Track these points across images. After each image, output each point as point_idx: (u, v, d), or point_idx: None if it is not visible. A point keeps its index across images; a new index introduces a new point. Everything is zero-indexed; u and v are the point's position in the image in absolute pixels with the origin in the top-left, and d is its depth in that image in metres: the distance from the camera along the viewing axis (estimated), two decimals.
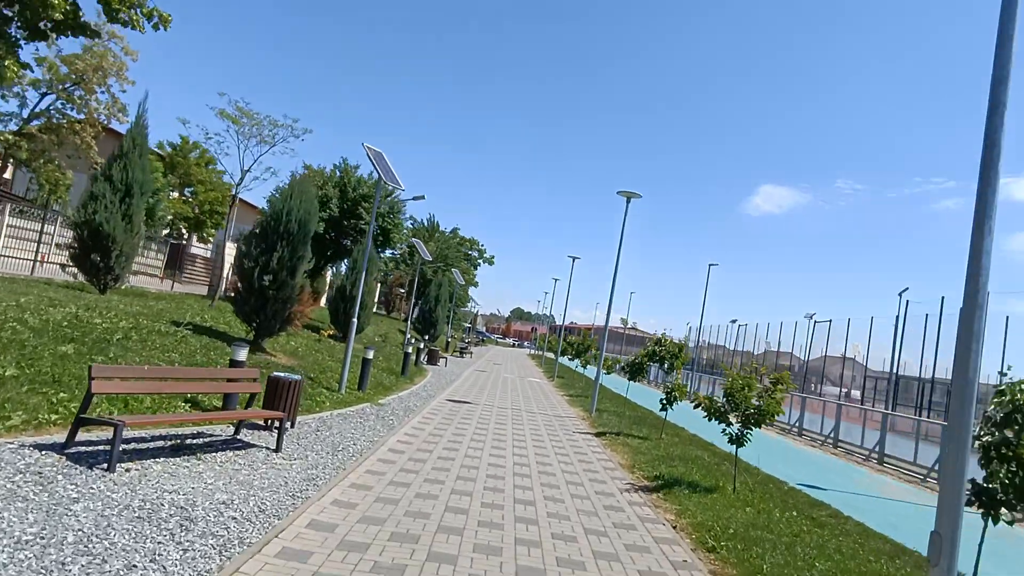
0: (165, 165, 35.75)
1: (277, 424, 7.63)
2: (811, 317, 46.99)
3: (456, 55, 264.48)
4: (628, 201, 15.93)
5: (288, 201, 12.84)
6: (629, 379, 17.34)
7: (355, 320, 12.83)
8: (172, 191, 37.18)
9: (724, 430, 8.50)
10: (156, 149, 34.29)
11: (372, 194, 24.07)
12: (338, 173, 24.50)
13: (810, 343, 45.50)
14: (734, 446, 8.52)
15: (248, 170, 18.39)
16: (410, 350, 18.30)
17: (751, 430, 8.40)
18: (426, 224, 55.78)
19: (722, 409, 8.37)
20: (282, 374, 8.62)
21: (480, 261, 75.20)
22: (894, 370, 34.36)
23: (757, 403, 8.24)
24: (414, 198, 12.90)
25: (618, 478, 8.98)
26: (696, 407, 8.68)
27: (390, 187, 12.69)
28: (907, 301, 34.10)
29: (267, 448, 7.47)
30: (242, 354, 8.60)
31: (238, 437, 7.70)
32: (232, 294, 12.91)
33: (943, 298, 30.85)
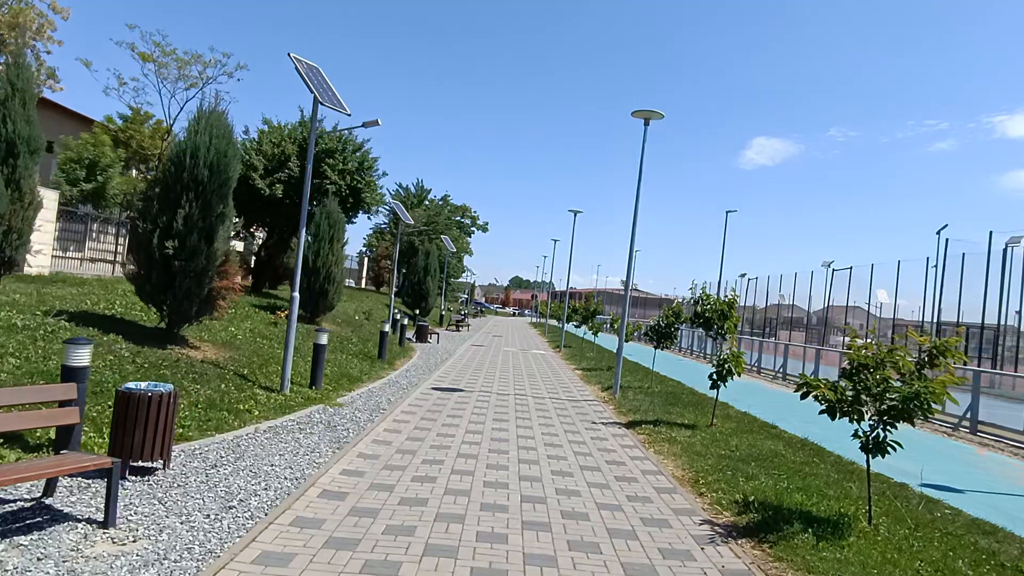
0: (116, 140, 32.23)
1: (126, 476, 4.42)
2: (829, 265, 43.96)
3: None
4: (646, 124, 12.55)
5: (194, 138, 9.46)
6: (656, 347, 14.20)
7: (295, 295, 9.55)
8: (127, 169, 33.70)
9: (856, 432, 5.32)
10: (104, 122, 30.57)
11: (336, 148, 20.58)
12: (299, 129, 20.99)
13: (829, 293, 42.51)
14: (867, 455, 5.35)
15: (174, 121, 14.86)
16: (388, 328, 15.09)
17: (893, 429, 5.22)
18: (413, 190, 52.08)
19: (852, 400, 5.17)
20: (137, 386, 5.37)
21: (473, 229, 71.68)
22: (934, 317, 31.28)
23: (908, 387, 5.05)
24: (364, 124, 9.73)
25: (683, 509, 5.82)
26: (805, 397, 5.47)
27: (328, 106, 9.33)
28: (946, 240, 30.87)
29: (89, 522, 4.29)
30: (80, 356, 5.32)
31: (46, 502, 4.51)
32: (132, 269, 9.65)
33: (991, 233, 27.69)
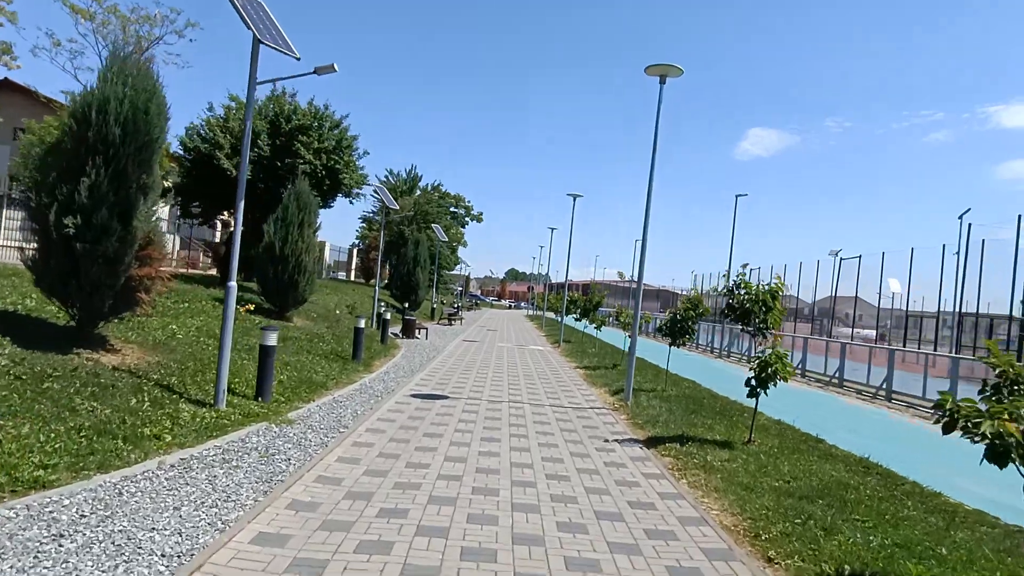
0: None
1: None
2: (836, 254, 42.21)
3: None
4: (662, 83, 10.64)
5: (103, 87, 7.50)
6: (671, 344, 12.34)
7: (231, 284, 7.61)
8: None
9: None
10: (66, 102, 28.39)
11: (310, 125, 18.57)
12: (271, 105, 19.00)
13: (836, 282, 40.78)
14: None
15: None
16: (363, 324, 13.17)
17: None
18: (404, 176, 49.93)
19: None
20: None
21: (467, 219, 69.63)
22: (955, 307, 29.48)
23: None
24: (317, 70, 7.86)
25: None
26: (951, 430, 3.60)
27: (270, 46, 7.43)
28: (968, 225, 29.03)
29: None
30: None
31: None
32: (30, 254, 7.74)
33: (1020, 216, 25.84)
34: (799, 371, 21.55)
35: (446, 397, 10.41)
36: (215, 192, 18.96)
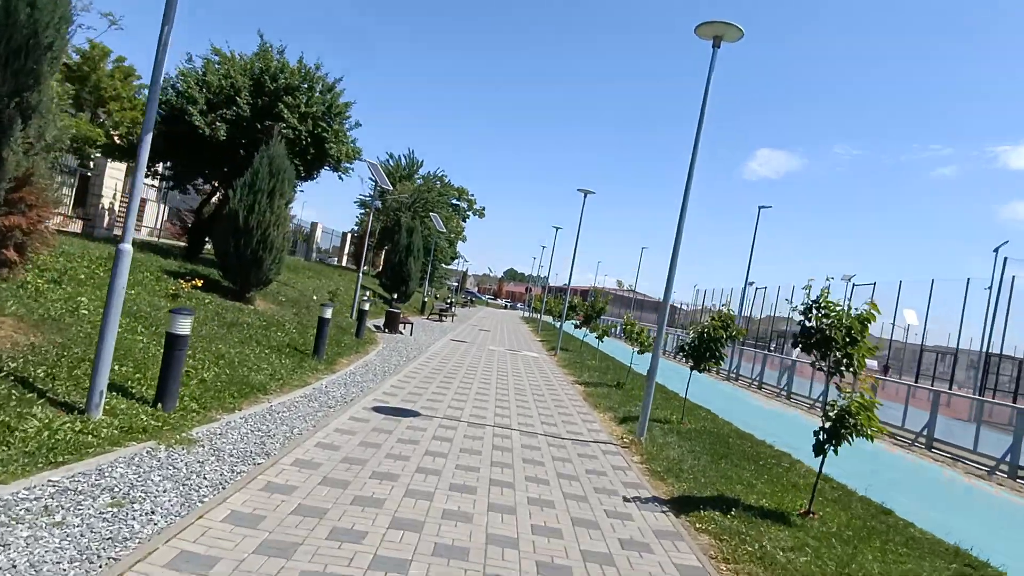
0: (69, 78, 28.14)
1: None
2: (850, 279, 40.26)
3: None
4: (716, 46, 8.56)
5: None
6: (693, 367, 10.27)
7: (123, 247, 5.52)
8: (80, 109, 29.63)
9: None
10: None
11: (298, 86, 16.47)
12: (257, 62, 16.92)
13: (847, 309, 38.76)
14: None
15: None
16: (328, 313, 11.09)
17: None
18: (404, 161, 47.71)
19: None
20: None
21: (469, 213, 67.48)
22: (983, 346, 27.49)
23: None
24: None
25: None
26: None
27: None
28: (1004, 259, 27.10)
29: None
30: None
31: None
32: None
33: None
34: (818, 404, 19.63)
35: (416, 414, 8.35)
36: (187, 153, 16.89)
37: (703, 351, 9.96)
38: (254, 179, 12.88)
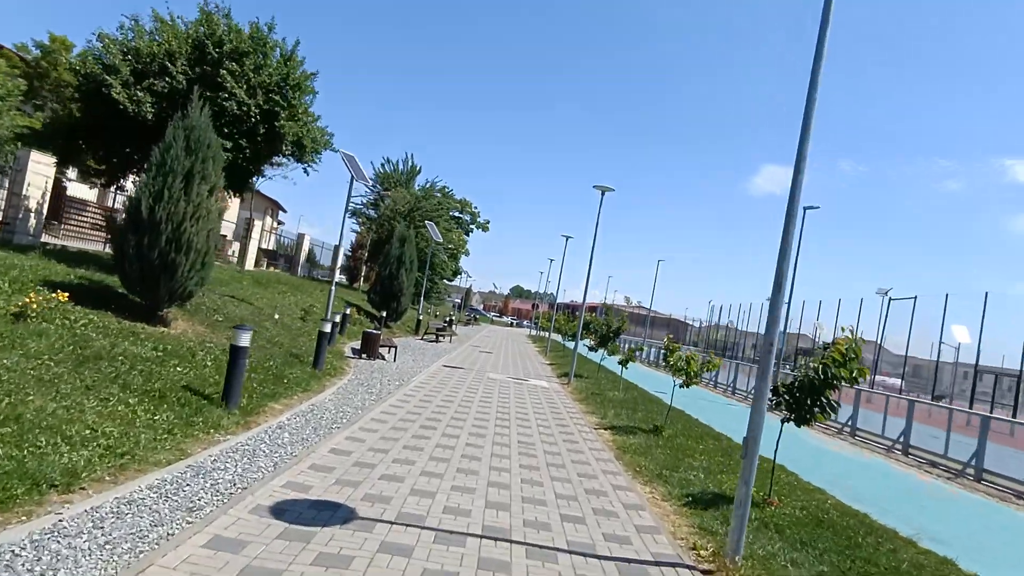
0: (29, 74, 25.03)
1: None
2: (886, 293, 36.63)
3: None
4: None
5: None
6: (787, 419, 6.71)
7: None
8: (34, 105, 26.51)
9: None
10: (14, 50, 23.01)
11: (245, 50, 13.17)
12: (200, 26, 13.70)
13: (884, 325, 35.09)
14: None
15: None
16: (245, 341, 7.58)
17: None
18: (402, 167, 44.36)
19: None
20: None
21: (472, 227, 64.22)
22: None
23: None
24: None
25: None
26: None
27: None
28: None
29: None
30: None
31: None
32: None
33: None
34: (848, 429, 16.39)
35: (348, 517, 4.83)
36: (110, 137, 13.61)
37: (807, 399, 6.40)
38: (164, 157, 9.50)
